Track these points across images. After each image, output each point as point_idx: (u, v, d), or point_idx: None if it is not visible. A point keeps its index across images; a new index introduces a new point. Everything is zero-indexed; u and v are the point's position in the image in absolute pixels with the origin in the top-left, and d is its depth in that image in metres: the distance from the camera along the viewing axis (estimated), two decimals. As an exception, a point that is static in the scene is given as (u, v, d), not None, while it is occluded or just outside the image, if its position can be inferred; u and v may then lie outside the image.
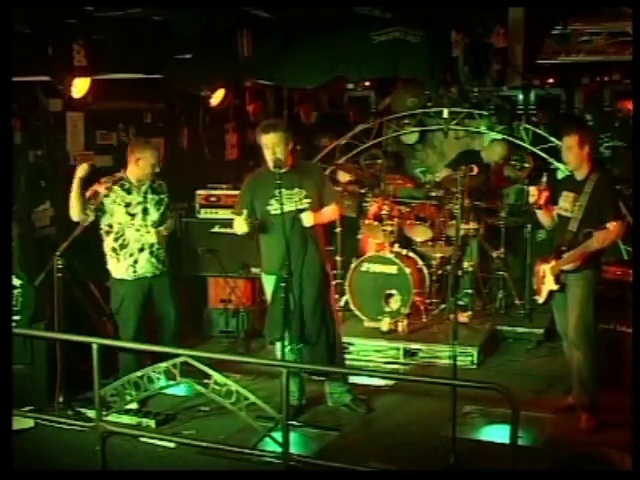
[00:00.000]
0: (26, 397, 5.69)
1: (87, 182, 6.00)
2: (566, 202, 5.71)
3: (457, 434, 5.11)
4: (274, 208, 5.69)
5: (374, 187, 8.61)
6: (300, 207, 5.76)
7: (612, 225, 5.43)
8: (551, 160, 8.24)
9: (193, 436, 5.51)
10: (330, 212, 5.99)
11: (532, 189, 5.83)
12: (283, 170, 5.68)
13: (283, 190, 5.61)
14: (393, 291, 7.63)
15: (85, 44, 5.74)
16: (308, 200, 5.78)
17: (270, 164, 5.69)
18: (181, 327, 6.53)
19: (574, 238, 5.60)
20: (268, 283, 5.91)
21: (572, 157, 5.64)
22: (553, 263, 5.74)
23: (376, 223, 8.00)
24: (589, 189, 5.57)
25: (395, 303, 7.62)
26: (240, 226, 5.78)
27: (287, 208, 5.66)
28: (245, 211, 5.75)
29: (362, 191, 8.62)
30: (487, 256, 8.31)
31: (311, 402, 6.16)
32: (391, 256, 7.70)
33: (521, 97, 9.07)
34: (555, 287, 5.76)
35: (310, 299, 5.79)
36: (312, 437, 5.61)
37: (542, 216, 5.89)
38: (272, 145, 5.67)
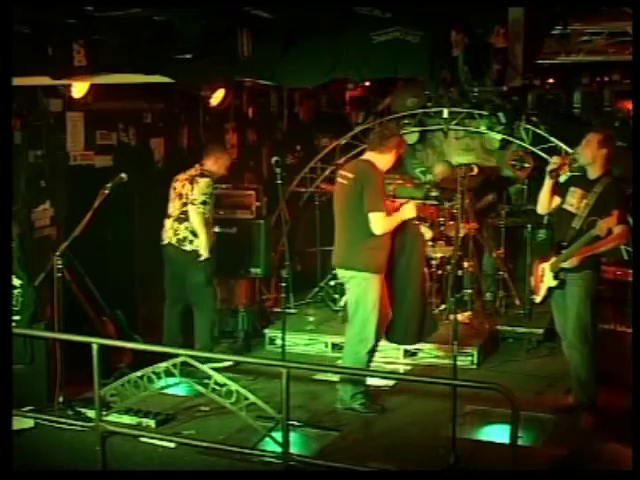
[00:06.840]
0: (26, 397, 5.68)
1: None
2: (573, 198, 5.71)
3: (457, 434, 5.11)
4: None
5: (374, 187, 8.58)
6: None
7: (616, 213, 5.36)
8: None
9: (193, 436, 5.50)
10: None
11: (555, 158, 5.82)
12: None
13: None
14: (393, 291, 7.61)
15: (85, 44, 5.73)
16: None
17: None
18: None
19: (576, 235, 5.60)
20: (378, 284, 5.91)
21: (586, 151, 5.66)
22: (553, 259, 5.74)
23: (376, 223, 7.98)
24: (598, 190, 5.58)
25: (395, 303, 7.60)
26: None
27: None
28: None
29: (362, 191, 8.61)
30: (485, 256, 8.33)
31: (311, 402, 6.16)
32: (391, 256, 7.68)
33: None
34: (554, 283, 5.75)
35: None
36: (312, 437, 5.60)
37: (546, 186, 5.80)
38: None
